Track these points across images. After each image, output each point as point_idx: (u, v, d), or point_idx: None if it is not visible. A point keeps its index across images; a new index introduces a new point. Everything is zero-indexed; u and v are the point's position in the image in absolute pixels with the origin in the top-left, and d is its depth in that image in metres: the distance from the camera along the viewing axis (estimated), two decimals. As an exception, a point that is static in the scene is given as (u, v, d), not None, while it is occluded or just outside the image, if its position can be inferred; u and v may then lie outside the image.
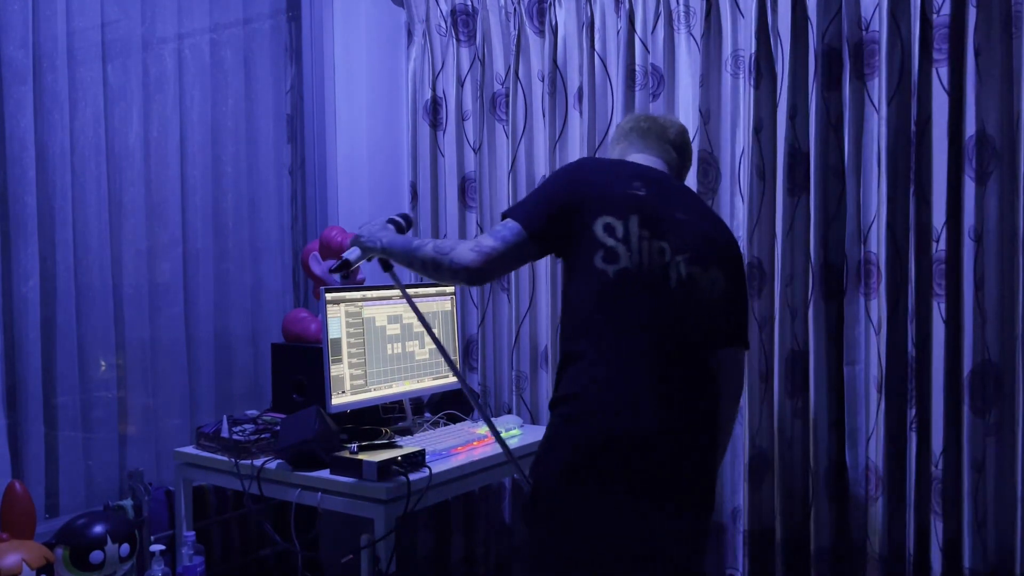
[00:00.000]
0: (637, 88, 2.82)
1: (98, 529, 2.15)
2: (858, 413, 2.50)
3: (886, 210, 2.40)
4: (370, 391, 2.60)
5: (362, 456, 2.26)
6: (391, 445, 2.40)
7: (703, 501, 1.90)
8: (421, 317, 2.08)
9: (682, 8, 2.73)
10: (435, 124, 3.25)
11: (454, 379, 2.89)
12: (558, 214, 1.86)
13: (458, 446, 2.51)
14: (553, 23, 2.95)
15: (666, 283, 1.84)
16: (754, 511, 2.63)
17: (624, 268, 1.82)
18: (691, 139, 2.76)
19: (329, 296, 2.50)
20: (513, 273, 3.06)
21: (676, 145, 2.11)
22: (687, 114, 2.76)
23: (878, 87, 2.41)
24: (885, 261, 2.41)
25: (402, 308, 2.72)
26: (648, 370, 1.81)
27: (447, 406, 2.88)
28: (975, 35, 2.26)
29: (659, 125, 2.12)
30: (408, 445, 2.42)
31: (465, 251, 1.85)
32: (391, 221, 2.21)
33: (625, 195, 1.86)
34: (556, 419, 1.84)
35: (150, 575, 2.24)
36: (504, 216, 1.91)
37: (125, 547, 2.19)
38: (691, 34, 2.73)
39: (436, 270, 1.89)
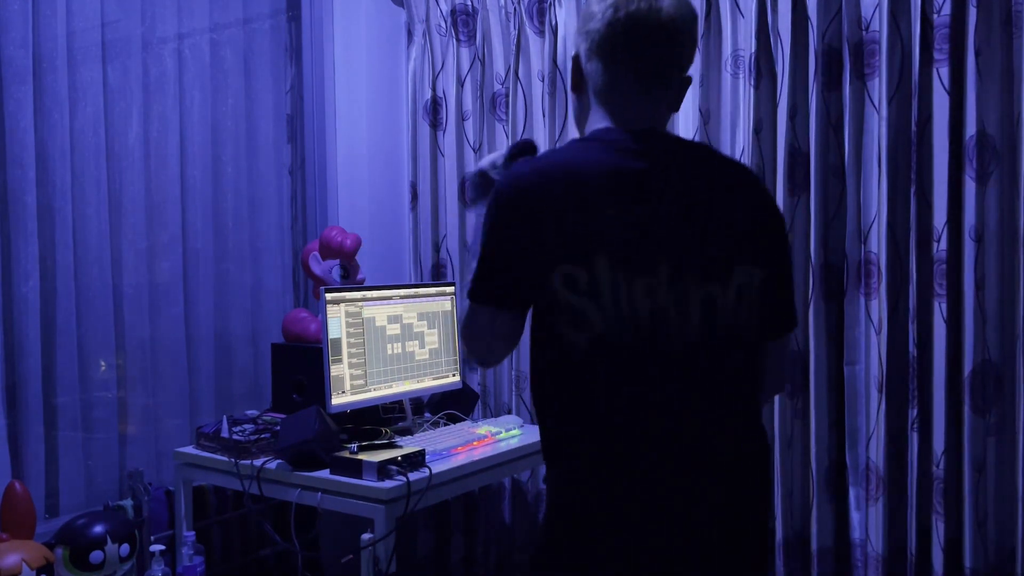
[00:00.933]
0: (637, 88, 2.81)
1: (98, 529, 2.15)
2: (858, 413, 2.50)
3: (886, 210, 2.40)
4: (370, 391, 2.60)
5: (362, 456, 2.26)
6: (391, 445, 2.39)
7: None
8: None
9: (682, 8, 2.72)
10: (435, 124, 3.25)
11: (454, 379, 2.89)
12: (513, 272, 1.40)
13: (458, 446, 2.51)
14: (553, 23, 2.95)
15: (667, 341, 1.36)
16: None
17: (599, 335, 1.35)
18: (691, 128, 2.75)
19: (329, 296, 2.49)
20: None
21: (672, 45, 1.46)
22: (687, 114, 2.76)
23: (878, 87, 2.41)
24: (885, 261, 2.41)
25: (402, 308, 2.72)
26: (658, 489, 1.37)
27: (447, 406, 2.88)
28: (975, 35, 2.26)
29: (640, 24, 1.41)
30: (408, 445, 2.42)
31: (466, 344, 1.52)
32: (515, 155, 1.64)
33: (584, 225, 1.35)
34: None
35: (150, 575, 2.24)
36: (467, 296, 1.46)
37: (125, 547, 2.19)
38: (691, 34, 2.73)
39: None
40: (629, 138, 1.43)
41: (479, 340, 1.48)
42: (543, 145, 3.01)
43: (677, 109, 1.56)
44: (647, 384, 1.36)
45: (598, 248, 1.34)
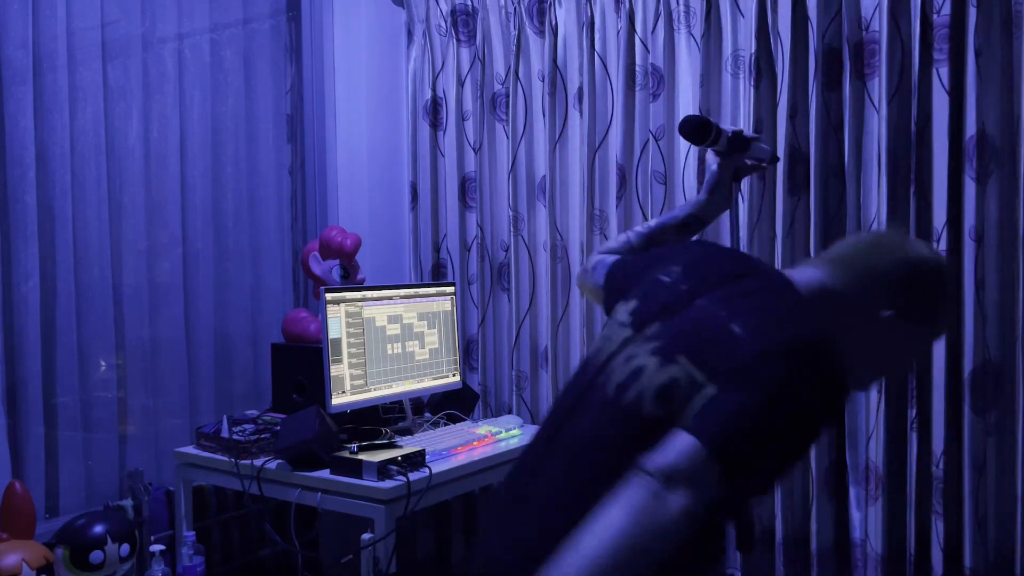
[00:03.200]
0: (637, 88, 2.82)
1: (98, 529, 2.15)
2: (858, 413, 2.50)
3: (886, 210, 2.40)
4: (370, 391, 2.60)
5: (362, 456, 2.26)
6: (391, 445, 2.39)
7: None
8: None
9: (682, 8, 2.73)
10: (435, 124, 3.25)
11: (454, 379, 2.89)
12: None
13: (458, 446, 2.51)
14: (553, 23, 2.95)
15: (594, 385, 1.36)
16: (754, 511, 2.63)
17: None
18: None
19: (329, 296, 2.49)
20: (513, 273, 3.06)
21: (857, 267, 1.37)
22: (687, 114, 2.75)
23: (878, 87, 2.41)
24: (885, 261, 2.41)
25: (402, 308, 2.72)
26: None
27: (447, 406, 2.88)
28: (975, 35, 2.26)
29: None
30: (408, 445, 2.42)
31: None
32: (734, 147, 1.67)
33: (650, 280, 1.44)
34: None
35: (150, 575, 2.24)
36: None
37: (125, 547, 2.19)
38: (691, 34, 2.73)
39: None
40: None
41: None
42: (543, 145, 3.01)
43: None
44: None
45: (636, 296, 1.45)
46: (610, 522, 1.12)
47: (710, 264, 1.42)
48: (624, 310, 1.42)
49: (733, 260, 1.44)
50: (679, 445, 1.15)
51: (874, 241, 1.40)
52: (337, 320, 2.51)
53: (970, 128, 2.28)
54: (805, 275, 1.37)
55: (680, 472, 1.12)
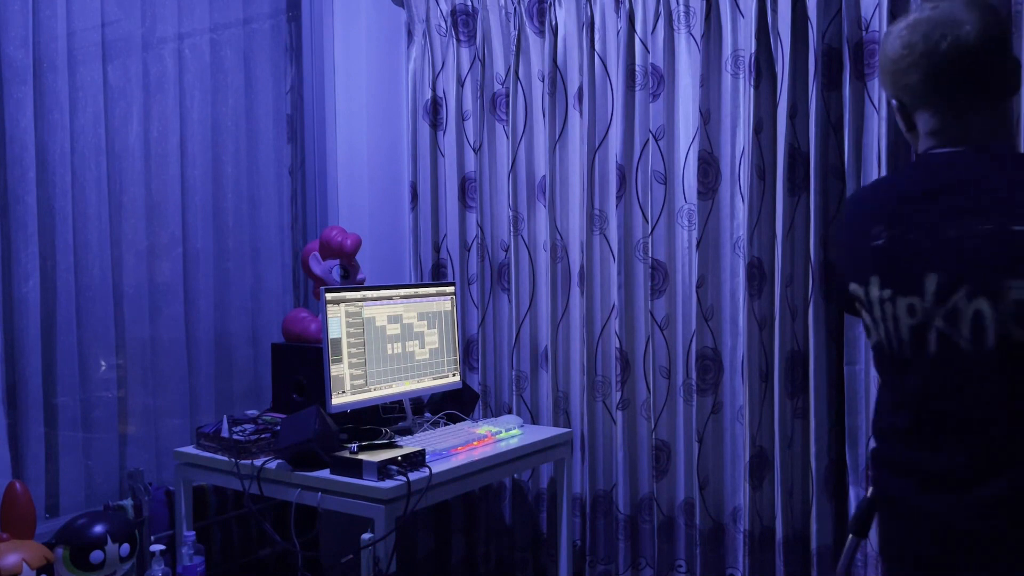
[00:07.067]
0: (637, 88, 2.82)
1: (98, 529, 2.15)
2: (858, 413, 2.50)
3: (886, 210, 2.39)
4: (370, 391, 2.60)
5: (362, 456, 2.26)
6: (391, 445, 2.40)
7: None
8: None
9: (682, 8, 2.73)
10: (435, 124, 3.25)
11: (454, 379, 2.89)
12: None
13: (458, 446, 2.51)
14: (553, 23, 2.95)
15: (922, 353, 1.37)
16: (754, 511, 2.63)
17: (877, 343, 1.46)
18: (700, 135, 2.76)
19: (329, 296, 2.50)
20: (513, 273, 3.06)
21: (962, 69, 1.40)
22: (687, 114, 2.76)
23: (878, 87, 2.41)
24: (885, 261, 2.41)
25: (402, 308, 2.72)
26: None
27: (447, 406, 2.88)
28: (975, 35, 2.25)
29: (928, 51, 1.41)
30: (408, 445, 2.42)
31: None
32: None
33: (862, 250, 1.46)
34: None
35: (150, 575, 2.24)
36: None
37: (125, 547, 2.19)
38: (691, 34, 2.73)
39: None
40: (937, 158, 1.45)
41: None
42: (543, 145, 3.01)
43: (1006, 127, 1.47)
44: (908, 388, 1.43)
45: (871, 270, 1.44)
46: None
47: None
48: None
49: None
50: None
51: None
52: (337, 320, 2.51)
53: (970, 128, 2.28)
54: None
55: None
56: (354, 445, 2.33)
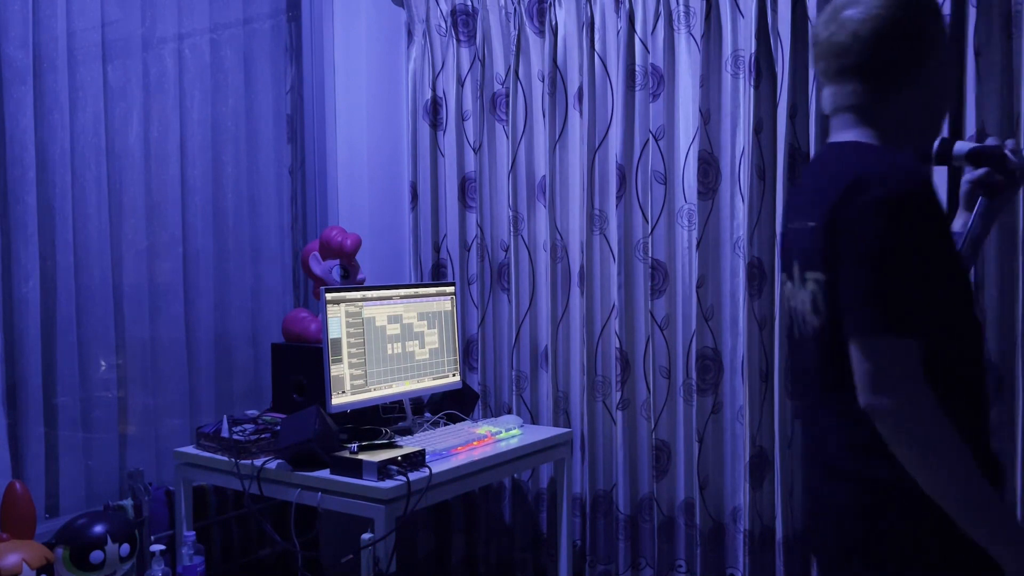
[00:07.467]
0: (637, 88, 2.82)
1: (98, 529, 2.15)
2: (858, 413, 2.50)
3: (886, 210, 2.39)
4: (370, 391, 2.60)
5: (362, 456, 2.26)
6: (391, 445, 2.39)
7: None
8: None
9: (682, 8, 2.73)
10: (435, 124, 3.25)
11: (454, 379, 2.90)
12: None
13: (458, 446, 2.51)
14: (553, 23, 2.95)
15: (792, 331, 1.55)
16: (754, 511, 2.63)
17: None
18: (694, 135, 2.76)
19: (329, 296, 2.50)
20: (513, 273, 3.06)
21: (836, 48, 1.41)
22: (687, 114, 2.76)
23: (878, 87, 2.41)
24: (885, 261, 2.41)
25: (402, 308, 2.72)
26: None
27: (447, 406, 2.88)
28: (975, 35, 2.26)
29: (816, 35, 1.47)
30: (408, 445, 2.42)
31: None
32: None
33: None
34: None
35: (150, 575, 2.24)
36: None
37: (125, 547, 2.19)
38: (691, 34, 2.73)
39: None
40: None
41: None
42: (543, 145, 3.01)
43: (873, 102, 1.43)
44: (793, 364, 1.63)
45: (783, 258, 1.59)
46: None
47: None
48: None
49: None
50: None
51: None
52: (337, 320, 2.51)
53: (970, 127, 2.28)
54: None
55: None
56: (354, 445, 2.33)
